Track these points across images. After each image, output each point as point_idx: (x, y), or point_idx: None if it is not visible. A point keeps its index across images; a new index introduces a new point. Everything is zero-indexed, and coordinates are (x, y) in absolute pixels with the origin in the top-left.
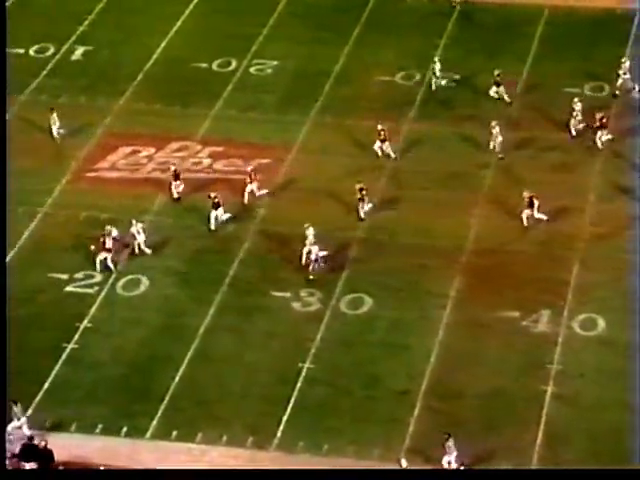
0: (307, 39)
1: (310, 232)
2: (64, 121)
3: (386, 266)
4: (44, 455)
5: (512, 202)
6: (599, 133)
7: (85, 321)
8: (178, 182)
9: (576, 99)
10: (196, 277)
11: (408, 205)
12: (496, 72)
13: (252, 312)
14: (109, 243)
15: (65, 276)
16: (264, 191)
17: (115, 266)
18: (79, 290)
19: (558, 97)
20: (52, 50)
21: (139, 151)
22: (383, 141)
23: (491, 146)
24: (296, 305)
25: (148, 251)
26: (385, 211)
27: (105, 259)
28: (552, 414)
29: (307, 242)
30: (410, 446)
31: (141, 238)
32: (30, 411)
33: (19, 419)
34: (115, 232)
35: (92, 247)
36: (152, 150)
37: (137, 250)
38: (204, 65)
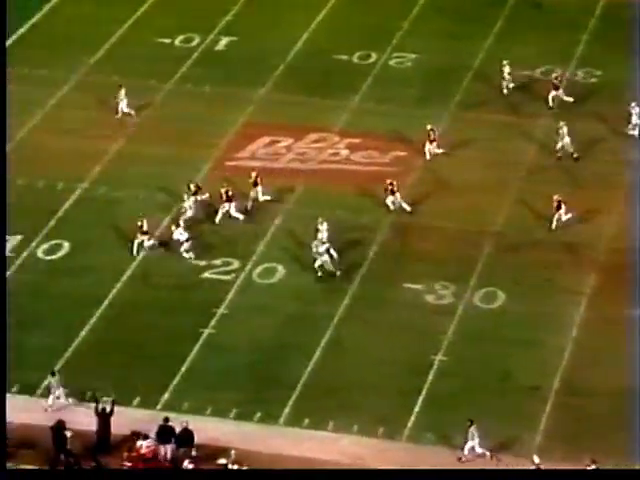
0: (448, 33)
1: (323, 227)
2: (209, 110)
3: (520, 261)
4: (184, 437)
5: None
6: None
7: (222, 307)
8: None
9: (633, 103)
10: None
11: (544, 202)
12: (554, 75)
13: (385, 303)
14: (145, 226)
15: (203, 262)
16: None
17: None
18: (216, 277)
19: None
20: (197, 40)
21: (278, 141)
22: (432, 142)
23: (558, 146)
24: (429, 298)
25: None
26: (519, 206)
27: (141, 242)
28: None
29: (319, 237)
30: (541, 443)
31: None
32: (167, 394)
33: (57, 390)
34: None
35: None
36: (291, 140)
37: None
38: (345, 57)
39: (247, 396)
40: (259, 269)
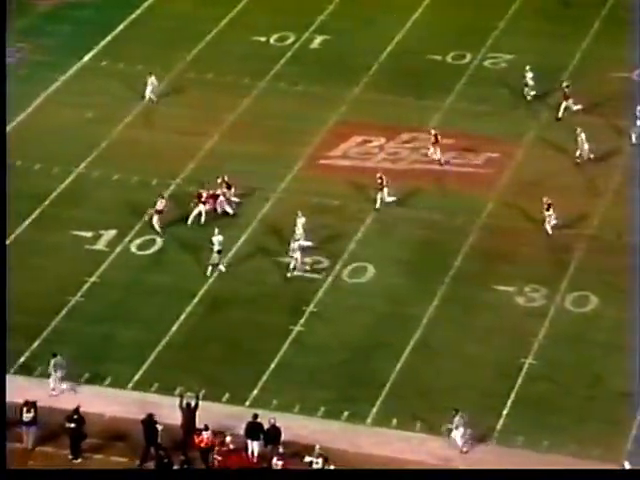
0: (544, 33)
1: (300, 221)
2: (302, 108)
3: (613, 265)
4: (272, 434)
5: None
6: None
7: (311, 305)
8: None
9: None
10: (421, 267)
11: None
12: (564, 84)
13: (475, 305)
14: (160, 205)
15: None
16: None
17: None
18: (307, 275)
19: None
20: (292, 39)
21: (370, 141)
22: (435, 144)
23: (578, 153)
24: (520, 300)
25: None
26: (615, 209)
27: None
28: None
29: (296, 232)
30: (632, 449)
31: None
32: (256, 391)
33: (58, 372)
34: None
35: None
36: (383, 140)
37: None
38: (438, 57)
39: (335, 395)
40: (349, 268)
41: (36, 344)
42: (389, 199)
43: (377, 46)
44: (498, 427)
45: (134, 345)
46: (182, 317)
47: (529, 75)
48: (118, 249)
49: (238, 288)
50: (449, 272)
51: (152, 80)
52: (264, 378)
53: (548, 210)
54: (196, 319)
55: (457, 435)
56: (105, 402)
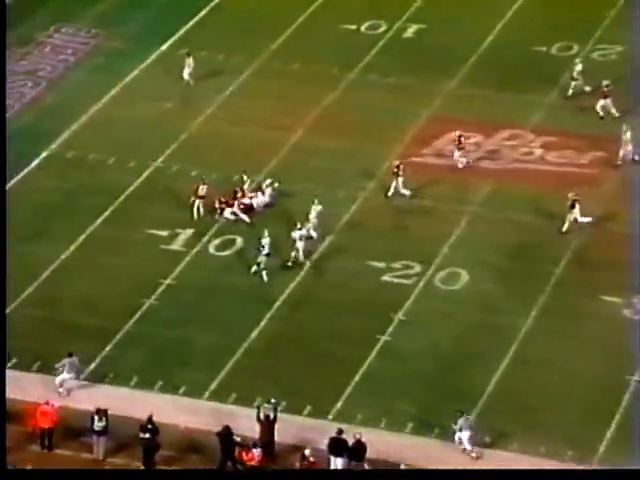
0: None
1: (315, 209)
2: (393, 102)
3: None
4: (357, 450)
5: None
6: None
7: (400, 313)
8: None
9: None
10: (518, 274)
11: None
12: (604, 83)
13: (578, 316)
14: (203, 191)
15: (382, 264)
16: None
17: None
18: (396, 280)
19: None
20: (384, 27)
21: (467, 137)
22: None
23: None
24: (627, 312)
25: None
26: None
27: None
28: None
29: (310, 219)
30: None
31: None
32: (339, 403)
33: (69, 372)
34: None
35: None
36: (481, 137)
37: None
38: (543, 48)
39: (425, 409)
40: (442, 274)
41: (108, 349)
42: (404, 191)
43: (475, 36)
44: (601, 449)
45: (211, 351)
46: (262, 322)
47: (577, 68)
48: (195, 249)
49: (322, 292)
50: (549, 280)
51: (189, 62)
52: (348, 390)
53: (572, 207)
54: (277, 325)
55: (464, 438)
56: (179, 412)
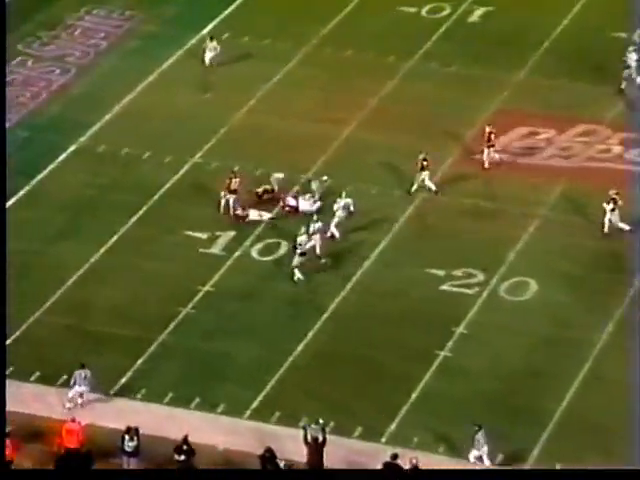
0: None
1: (343, 202)
2: (456, 94)
3: None
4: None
5: None
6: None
7: (461, 326)
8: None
9: None
10: (593, 285)
11: None
12: None
13: None
14: (235, 184)
15: (441, 272)
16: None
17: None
18: (456, 290)
19: None
20: (447, 10)
21: (537, 133)
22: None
23: None
24: None
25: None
26: None
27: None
28: None
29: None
30: None
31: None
32: (394, 425)
33: (80, 385)
34: None
35: None
36: (552, 132)
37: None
38: (623, 35)
39: (488, 432)
40: (507, 283)
41: (140, 361)
42: (429, 183)
43: (548, 20)
44: None
45: (253, 366)
46: (310, 334)
47: (633, 57)
48: (237, 253)
49: (377, 302)
50: (627, 291)
51: (212, 45)
52: (404, 410)
53: (610, 204)
54: (326, 337)
55: (484, 453)
56: (218, 432)
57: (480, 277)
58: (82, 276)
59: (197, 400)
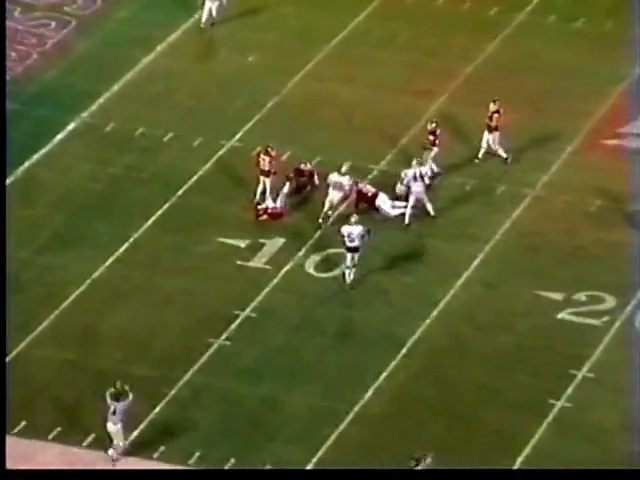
0: None
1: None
2: (579, 58)
3: None
4: None
5: None
6: None
7: (584, 367)
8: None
9: None
10: None
11: None
12: None
13: None
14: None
15: (558, 296)
16: None
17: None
18: (578, 319)
19: None
20: None
21: None
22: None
23: None
24: None
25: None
26: None
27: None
28: None
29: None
30: None
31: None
32: None
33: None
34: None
35: None
36: None
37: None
38: None
39: None
40: None
41: (158, 409)
42: (433, 166)
43: None
44: None
45: (307, 416)
46: (382, 375)
47: None
48: (286, 267)
49: (471, 334)
50: None
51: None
52: (516, 465)
53: None
54: (403, 379)
55: None
56: None
57: (610, 303)
58: (84, 295)
59: (232, 461)
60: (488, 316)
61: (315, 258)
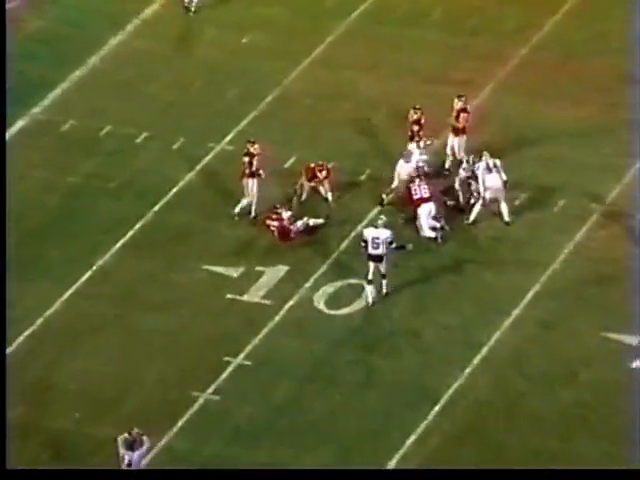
0: None
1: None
2: None
3: None
4: None
5: None
6: None
7: None
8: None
9: None
10: None
11: None
12: None
13: None
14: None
15: (632, 339)
16: None
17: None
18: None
19: None
20: None
21: None
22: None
23: None
24: None
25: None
26: None
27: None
28: None
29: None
30: None
31: None
32: None
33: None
34: None
35: None
36: None
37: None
38: None
39: None
40: None
41: None
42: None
43: None
44: None
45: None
46: (411, 438)
47: None
48: (290, 303)
49: (525, 389)
50: None
51: None
52: None
53: None
54: (439, 441)
55: None
56: None
57: None
58: (37, 336)
59: None
60: (544, 365)
61: (327, 290)
